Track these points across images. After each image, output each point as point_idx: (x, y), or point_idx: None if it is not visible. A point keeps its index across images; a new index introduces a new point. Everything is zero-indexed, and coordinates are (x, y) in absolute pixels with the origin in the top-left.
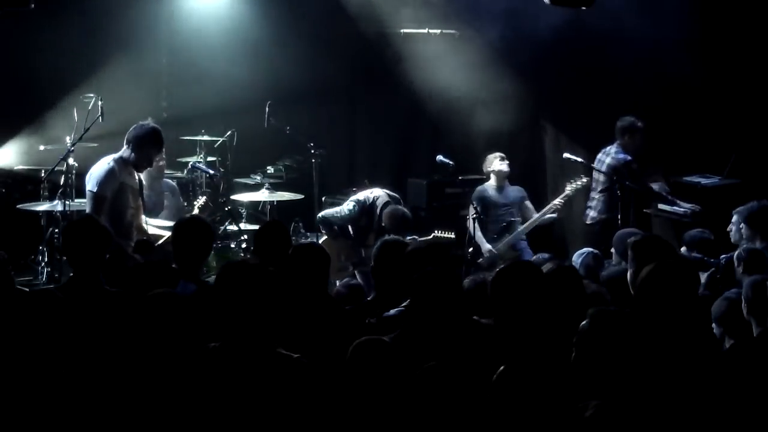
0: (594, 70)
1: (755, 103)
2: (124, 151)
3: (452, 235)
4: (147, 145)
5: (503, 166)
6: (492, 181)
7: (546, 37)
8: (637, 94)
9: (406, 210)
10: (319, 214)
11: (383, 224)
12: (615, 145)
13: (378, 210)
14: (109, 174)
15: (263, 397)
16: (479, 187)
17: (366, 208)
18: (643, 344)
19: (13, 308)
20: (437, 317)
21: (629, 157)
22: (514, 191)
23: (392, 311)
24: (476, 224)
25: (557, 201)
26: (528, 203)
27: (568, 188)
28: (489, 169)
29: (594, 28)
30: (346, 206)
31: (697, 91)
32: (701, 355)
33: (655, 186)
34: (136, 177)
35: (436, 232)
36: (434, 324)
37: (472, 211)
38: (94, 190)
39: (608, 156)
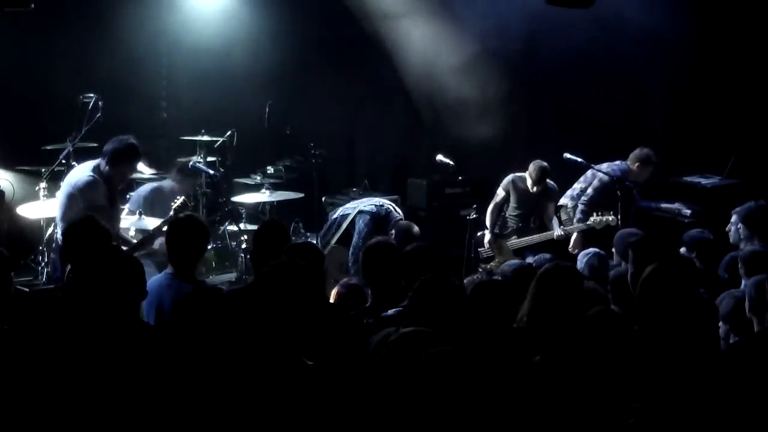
0: (594, 70)
1: (755, 103)
2: (101, 162)
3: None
4: (122, 162)
5: (534, 187)
6: (528, 180)
7: (546, 36)
8: (637, 94)
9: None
10: (351, 255)
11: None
12: (622, 162)
13: (389, 227)
14: (96, 185)
15: (273, 399)
16: (518, 174)
17: (379, 222)
18: (644, 344)
19: (11, 309)
20: (437, 323)
21: (620, 176)
22: (544, 197)
23: (390, 311)
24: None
25: (573, 228)
26: (551, 206)
27: (592, 219)
28: (528, 173)
29: (594, 28)
30: (362, 221)
31: (697, 91)
32: (702, 355)
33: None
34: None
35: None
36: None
37: (473, 213)
38: (97, 204)
39: (609, 166)
